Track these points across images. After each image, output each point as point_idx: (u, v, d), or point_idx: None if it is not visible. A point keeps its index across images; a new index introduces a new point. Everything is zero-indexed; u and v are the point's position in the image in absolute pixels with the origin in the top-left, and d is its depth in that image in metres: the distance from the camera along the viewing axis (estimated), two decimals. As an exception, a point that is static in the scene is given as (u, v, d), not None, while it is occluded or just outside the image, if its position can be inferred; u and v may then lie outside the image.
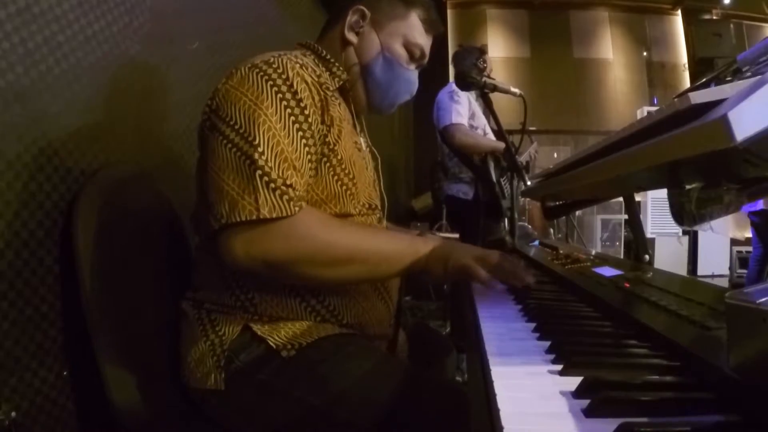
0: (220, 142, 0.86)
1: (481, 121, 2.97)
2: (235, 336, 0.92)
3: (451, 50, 4.46)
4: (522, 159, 2.84)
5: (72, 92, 0.99)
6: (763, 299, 0.39)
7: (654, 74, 6.90)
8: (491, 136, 2.97)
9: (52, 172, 0.93)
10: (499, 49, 6.82)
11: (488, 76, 1.84)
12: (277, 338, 0.91)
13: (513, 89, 1.83)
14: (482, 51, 3.09)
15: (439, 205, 3.11)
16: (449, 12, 6.88)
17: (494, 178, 2.72)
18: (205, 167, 0.90)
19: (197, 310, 0.97)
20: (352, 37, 1.07)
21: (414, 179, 5.69)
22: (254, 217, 0.81)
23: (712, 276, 5.47)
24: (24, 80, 0.87)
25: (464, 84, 1.84)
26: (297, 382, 0.89)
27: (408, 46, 1.10)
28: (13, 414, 0.83)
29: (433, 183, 3.09)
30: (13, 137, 0.86)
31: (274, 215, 0.81)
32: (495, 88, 1.80)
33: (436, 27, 1.14)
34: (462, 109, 2.81)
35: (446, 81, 3.02)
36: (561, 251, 1.49)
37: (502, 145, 2.69)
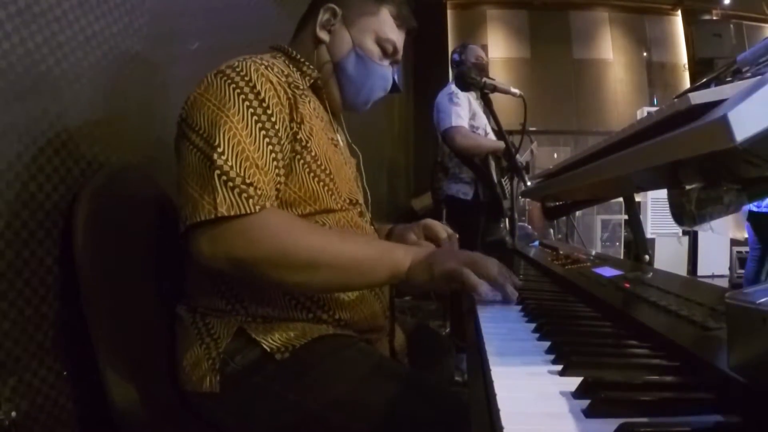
0: (188, 149, 0.88)
1: (482, 120, 2.97)
2: (230, 339, 0.92)
3: (450, 51, 4.45)
4: (522, 159, 2.84)
5: (72, 92, 0.99)
6: (763, 299, 0.39)
7: (654, 75, 6.91)
8: (492, 136, 2.97)
9: (52, 172, 0.93)
10: (499, 49, 6.83)
11: (487, 76, 1.84)
12: (271, 341, 0.90)
13: (513, 90, 1.84)
14: (463, 45, 3.13)
15: (439, 205, 3.11)
16: (449, 12, 6.88)
17: (495, 179, 2.72)
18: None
19: (192, 315, 0.97)
20: (323, 35, 1.08)
21: (414, 179, 5.70)
22: (212, 216, 0.81)
23: (712, 276, 5.48)
24: (24, 80, 0.87)
25: (464, 84, 1.84)
26: (292, 386, 0.88)
27: (380, 42, 1.10)
28: (13, 414, 0.83)
29: (433, 183, 3.09)
30: (13, 137, 0.86)
31: (233, 213, 0.81)
32: (495, 89, 1.80)
33: (408, 22, 1.14)
34: (461, 111, 2.81)
35: (446, 82, 3.02)
36: (561, 251, 1.49)
37: (503, 145, 2.69)
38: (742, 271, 5.35)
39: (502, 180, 2.76)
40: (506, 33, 6.94)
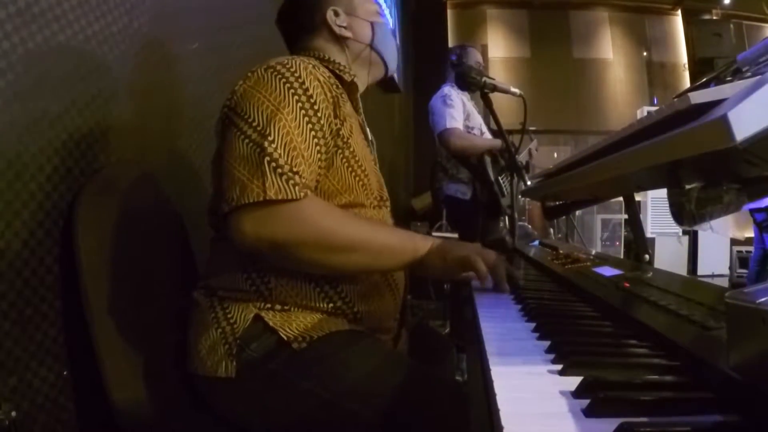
0: (237, 136, 0.90)
1: (477, 120, 2.97)
2: (247, 325, 0.93)
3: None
4: (521, 158, 2.84)
5: (72, 92, 0.99)
6: (763, 299, 0.39)
7: (654, 74, 6.90)
8: (488, 135, 2.97)
9: (52, 172, 0.93)
10: (499, 49, 6.82)
11: (487, 76, 1.84)
12: (288, 330, 0.92)
13: (513, 89, 1.84)
14: (462, 46, 3.12)
15: (439, 205, 3.11)
16: (449, 12, 6.88)
17: (492, 177, 2.72)
18: (221, 159, 0.94)
19: (209, 298, 0.98)
20: (345, 32, 1.14)
21: (414, 179, 5.70)
22: (261, 199, 0.85)
23: (712, 276, 5.47)
24: (24, 80, 0.87)
25: (464, 84, 1.84)
26: (306, 374, 0.90)
27: (371, 5, 1.21)
28: (13, 414, 0.83)
29: (433, 183, 3.09)
30: (13, 137, 0.86)
31: (280, 197, 0.85)
32: (495, 88, 1.80)
33: None
34: (456, 113, 2.82)
35: (442, 84, 3.02)
36: (561, 251, 1.49)
37: (499, 142, 2.69)
38: (743, 271, 5.35)
39: (500, 178, 2.75)
40: (506, 33, 6.94)
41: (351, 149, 1.01)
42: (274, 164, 0.86)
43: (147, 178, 1.16)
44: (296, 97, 0.92)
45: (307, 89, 0.94)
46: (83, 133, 1.01)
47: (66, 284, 0.93)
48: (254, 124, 0.90)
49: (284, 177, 0.86)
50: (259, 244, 0.86)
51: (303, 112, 0.92)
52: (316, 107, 0.94)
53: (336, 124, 0.99)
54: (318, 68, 0.99)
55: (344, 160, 1.00)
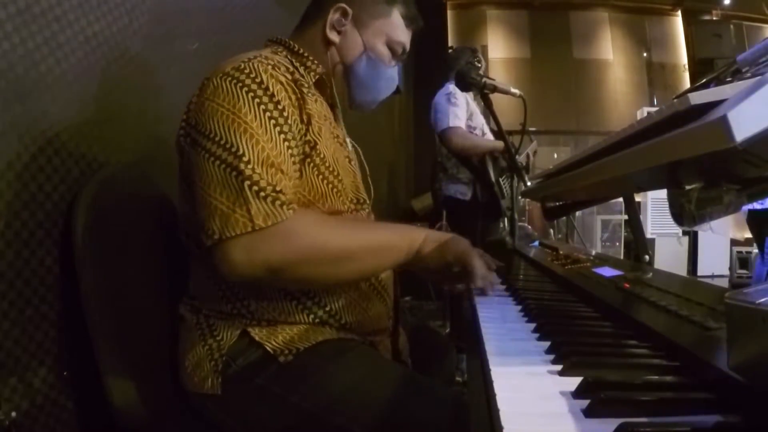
0: (205, 158, 0.84)
1: (480, 120, 2.96)
2: (234, 341, 0.91)
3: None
4: (521, 159, 2.84)
5: (72, 92, 0.99)
6: (763, 299, 0.39)
7: (654, 75, 6.90)
8: (490, 136, 2.97)
9: (52, 172, 0.93)
10: (499, 49, 6.82)
11: (487, 77, 1.84)
12: (274, 343, 0.90)
13: (513, 90, 1.84)
14: (474, 50, 3.10)
15: (439, 206, 3.11)
16: (449, 12, 6.87)
17: (493, 178, 2.72)
18: (190, 182, 0.89)
19: (196, 316, 0.96)
20: (334, 36, 1.05)
21: (414, 179, 5.70)
22: (249, 229, 0.80)
23: (712, 276, 5.47)
24: (24, 80, 0.87)
25: (464, 84, 1.84)
26: (293, 388, 0.88)
27: (391, 45, 1.08)
28: (13, 414, 0.83)
29: (434, 183, 3.09)
30: (13, 137, 0.86)
31: (269, 223, 0.81)
32: (495, 89, 1.80)
33: (416, 22, 1.12)
34: (459, 112, 2.81)
35: (446, 82, 3.01)
36: (561, 251, 1.49)
37: (501, 144, 2.69)
38: (743, 271, 5.34)
39: (500, 179, 2.75)
40: (506, 33, 6.94)
41: (321, 155, 0.94)
42: (255, 187, 0.81)
43: (147, 178, 1.16)
44: (262, 106, 0.86)
45: (272, 94, 0.87)
46: (83, 133, 1.01)
47: (66, 285, 0.93)
48: (222, 141, 0.83)
49: (268, 199, 0.81)
50: (253, 271, 0.82)
51: (273, 121, 0.86)
52: (285, 114, 0.88)
53: (302, 129, 0.92)
54: (278, 68, 0.91)
55: (314, 167, 0.94)
